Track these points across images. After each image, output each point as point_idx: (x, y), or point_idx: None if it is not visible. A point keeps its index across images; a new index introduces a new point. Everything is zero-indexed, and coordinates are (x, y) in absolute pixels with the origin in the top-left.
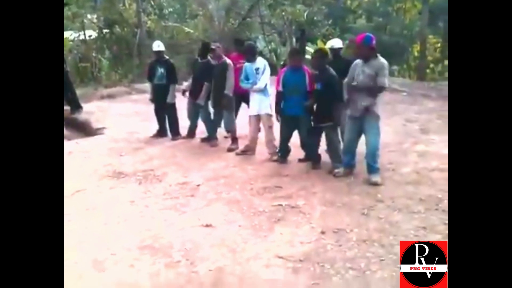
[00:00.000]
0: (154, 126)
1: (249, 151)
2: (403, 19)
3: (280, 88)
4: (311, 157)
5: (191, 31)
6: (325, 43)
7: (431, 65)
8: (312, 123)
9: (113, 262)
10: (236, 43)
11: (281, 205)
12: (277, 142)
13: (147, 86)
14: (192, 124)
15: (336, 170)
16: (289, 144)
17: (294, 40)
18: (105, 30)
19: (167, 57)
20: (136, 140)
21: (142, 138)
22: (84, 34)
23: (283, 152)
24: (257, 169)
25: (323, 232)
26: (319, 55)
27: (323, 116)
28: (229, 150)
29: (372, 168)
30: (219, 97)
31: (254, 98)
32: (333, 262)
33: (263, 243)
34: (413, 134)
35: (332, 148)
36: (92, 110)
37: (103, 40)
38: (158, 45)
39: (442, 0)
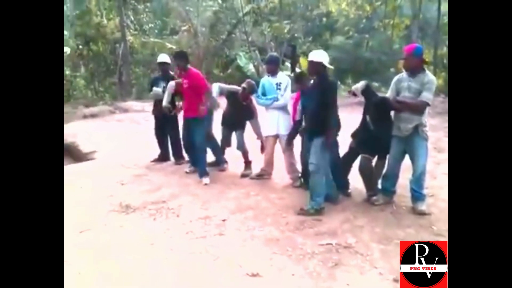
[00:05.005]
0: (150, 149)
1: (265, 175)
2: (389, 36)
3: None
4: (341, 185)
5: (173, 47)
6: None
7: None
8: (358, 149)
9: None
10: (177, 57)
11: (331, 244)
12: (298, 165)
13: (129, 104)
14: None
15: (374, 198)
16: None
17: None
18: (81, 47)
19: (173, 73)
20: (134, 165)
21: (140, 163)
22: None
23: (306, 177)
24: (282, 197)
25: (396, 280)
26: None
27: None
28: (243, 175)
29: (417, 195)
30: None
31: (272, 116)
32: None
33: None
34: (430, 153)
35: (368, 175)
36: (75, 131)
37: (79, 57)
38: (163, 57)
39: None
